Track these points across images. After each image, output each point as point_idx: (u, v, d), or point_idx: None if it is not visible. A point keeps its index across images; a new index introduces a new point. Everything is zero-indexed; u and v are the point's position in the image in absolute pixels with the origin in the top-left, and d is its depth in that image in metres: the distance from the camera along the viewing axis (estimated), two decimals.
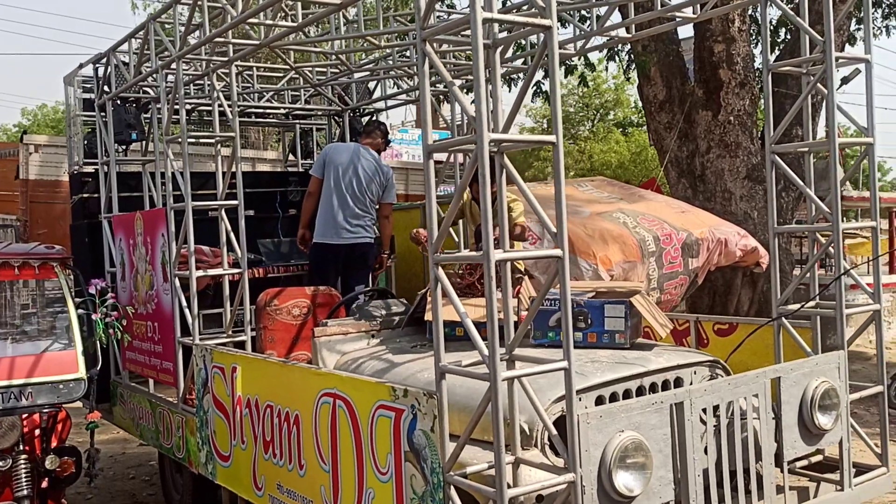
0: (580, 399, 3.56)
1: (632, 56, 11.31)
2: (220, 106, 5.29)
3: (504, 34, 3.70)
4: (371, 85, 7.79)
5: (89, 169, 7.08)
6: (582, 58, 11.20)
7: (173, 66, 5.23)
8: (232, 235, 5.29)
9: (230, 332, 5.37)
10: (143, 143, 7.02)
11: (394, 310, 4.88)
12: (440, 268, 3.04)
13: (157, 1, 19.23)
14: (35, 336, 5.25)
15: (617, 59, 11.91)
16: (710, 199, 10.37)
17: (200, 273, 5.24)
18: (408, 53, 6.63)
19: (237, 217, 5.25)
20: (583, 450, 2.99)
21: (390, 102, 7.83)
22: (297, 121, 8.36)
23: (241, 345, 5.28)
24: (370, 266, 6.47)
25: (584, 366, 3.74)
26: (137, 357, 6.13)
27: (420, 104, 2.96)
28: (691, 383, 3.94)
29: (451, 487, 3.04)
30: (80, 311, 5.24)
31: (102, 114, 6.61)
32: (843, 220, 4.19)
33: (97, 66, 6.69)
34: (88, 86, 7.19)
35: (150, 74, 5.69)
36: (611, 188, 8.99)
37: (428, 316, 4.31)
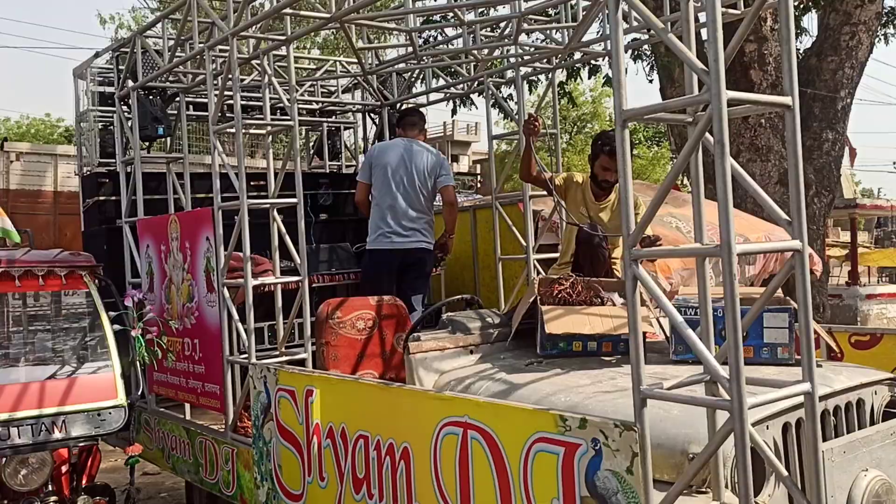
0: (767, 427, 2.95)
1: (656, 57, 10.82)
2: (273, 94, 4.65)
3: None
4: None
5: (104, 169, 6.37)
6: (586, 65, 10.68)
7: (221, 46, 4.58)
8: (287, 239, 4.64)
9: (283, 349, 4.72)
10: (168, 139, 6.30)
11: (488, 321, 4.23)
12: (639, 265, 2.42)
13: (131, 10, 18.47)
14: (65, 356, 4.51)
15: (642, 60, 11.38)
16: (740, 205, 9.81)
17: (257, 281, 4.57)
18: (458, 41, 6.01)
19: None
20: (828, 494, 2.37)
21: (432, 97, 7.17)
22: (325, 118, 7.64)
23: (299, 363, 4.61)
24: (428, 273, 5.83)
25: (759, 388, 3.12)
26: (170, 379, 5.37)
27: (612, 62, 2.35)
28: (873, 405, 3.35)
29: None
30: (116, 326, 4.53)
31: (124, 107, 5.89)
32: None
33: (117, 53, 5.97)
34: (102, 78, 6.49)
35: (196, 55, 4.97)
36: (653, 192, 8.45)
37: (551, 328, 3.66)
